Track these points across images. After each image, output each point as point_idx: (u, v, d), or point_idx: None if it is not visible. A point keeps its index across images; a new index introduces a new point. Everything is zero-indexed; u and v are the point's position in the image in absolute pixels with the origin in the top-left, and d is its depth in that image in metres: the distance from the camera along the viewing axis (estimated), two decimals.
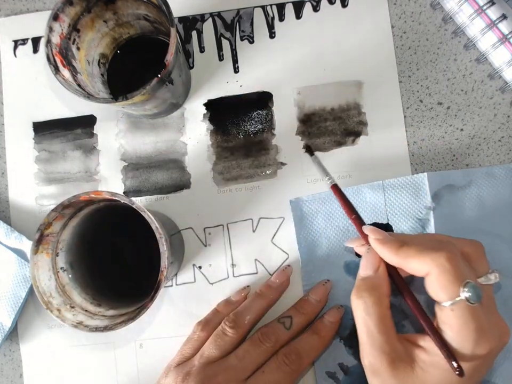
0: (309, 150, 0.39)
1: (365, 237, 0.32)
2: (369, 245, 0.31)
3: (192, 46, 0.42)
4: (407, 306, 0.36)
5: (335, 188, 0.35)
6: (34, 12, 0.43)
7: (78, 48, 0.35)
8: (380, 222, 0.38)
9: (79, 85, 0.34)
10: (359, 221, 0.33)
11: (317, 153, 0.40)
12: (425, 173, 0.37)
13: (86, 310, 0.34)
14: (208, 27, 0.42)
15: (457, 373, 0.26)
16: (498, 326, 0.28)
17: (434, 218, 0.36)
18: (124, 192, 0.41)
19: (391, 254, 0.29)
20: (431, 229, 0.36)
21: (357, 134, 0.40)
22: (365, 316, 0.29)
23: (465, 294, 0.26)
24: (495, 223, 0.37)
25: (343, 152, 0.40)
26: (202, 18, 0.42)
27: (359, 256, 0.38)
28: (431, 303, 0.29)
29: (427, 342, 0.28)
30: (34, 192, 0.41)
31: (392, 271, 0.31)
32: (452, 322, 0.27)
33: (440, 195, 0.37)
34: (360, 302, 0.29)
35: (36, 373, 0.40)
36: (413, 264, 0.28)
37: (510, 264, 0.37)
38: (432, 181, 0.37)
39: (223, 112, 0.41)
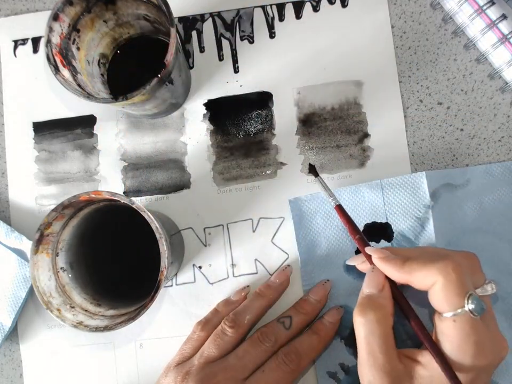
0: (313, 170, 0.39)
1: (369, 256, 0.32)
2: (373, 265, 0.31)
3: (192, 46, 0.42)
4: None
5: (339, 209, 0.35)
6: (34, 12, 0.43)
7: (78, 48, 0.35)
8: (379, 221, 0.38)
9: (79, 85, 0.34)
10: (362, 241, 0.33)
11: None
12: (424, 172, 0.37)
13: (86, 310, 0.34)
14: (208, 27, 0.42)
15: None
16: (497, 340, 0.28)
17: (433, 216, 0.36)
18: (124, 192, 0.41)
19: (396, 270, 0.29)
20: (430, 227, 0.36)
21: (358, 136, 0.40)
22: (368, 335, 0.28)
23: (469, 305, 0.26)
24: (493, 221, 0.37)
25: (344, 153, 0.40)
26: (202, 18, 0.42)
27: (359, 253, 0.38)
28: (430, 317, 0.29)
29: (425, 357, 0.28)
30: (34, 192, 0.41)
31: (393, 288, 0.31)
32: (452, 334, 0.27)
33: (438, 193, 0.37)
34: (364, 319, 0.29)
35: (36, 373, 0.40)
36: (418, 276, 0.28)
37: (509, 261, 0.37)
38: (431, 180, 0.37)
39: (223, 112, 0.41)
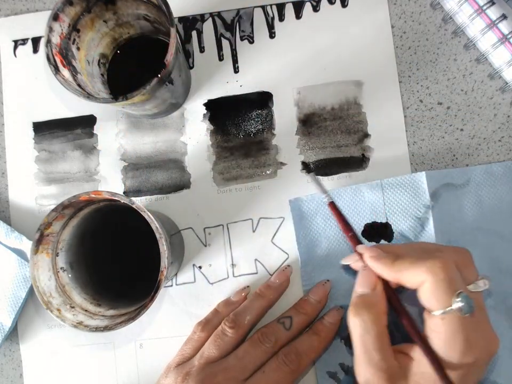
0: (306, 167, 0.39)
1: (360, 255, 0.32)
2: (365, 263, 0.31)
3: (192, 46, 0.42)
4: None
5: (332, 206, 0.35)
6: (34, 11, 0.43)
7: (78, 48, 0.35)
8: (379, 221, 0.38)
9: (79, 85, 0.34)
10: (355, 239, 0.33)
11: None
12: (424, 172, 0.37)
13: (86, 310, 0.34)
14: (208, 27, 0.42)
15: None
16: (487, 336, 0.28)
17: (433, 216, 0.36)
18: (124, 192, 0.41)
19: (386, 269, 0.29)
20: (430, 227, 0.36)
21: (358, 137, 0.40)
22: (363, 334, 0.29)
23: (457, 304, 0.27)
24: (494, 221, 0.37)
25: (344, 153, 0.40)
26: (202, 18, 0.42)
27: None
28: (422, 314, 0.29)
29: (417, 353, 0.29)
30: (34, 192, 0.41)
31: (385, 286, 0.31)
32: (441, 331, 0.27)
33: (438, 193, 0.37)
34: (358, 319, 0.29)
35: (36, 373, 0.40)
36: (407, 275, 0.28)
37: (510, 261, 0.37)
38: (431, 180, 0.37)
39: (223, 112, 0.41)
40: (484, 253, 0.37)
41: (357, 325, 0.29)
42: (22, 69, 0.43)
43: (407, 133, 0.40)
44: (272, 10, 0.41)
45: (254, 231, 0.40)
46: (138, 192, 0.41)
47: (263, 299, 0.36)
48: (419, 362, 0.28)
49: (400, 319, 0.30)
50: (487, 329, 0.29)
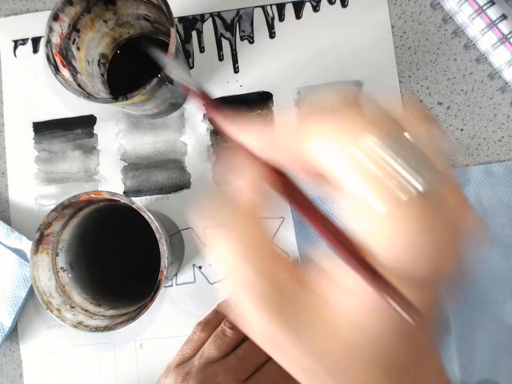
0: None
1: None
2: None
3: (192, 46, 0.42)
4: None
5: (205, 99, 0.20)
6: (34, 11, 0.43)
7: (78, 48, 0.35)
8: None
9: (79, 85, 0.34)
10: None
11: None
12: None
13: (86, 310, 0.34)
14: (208, 27, 0.42)
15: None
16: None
17: None
18: (124, 192, 0.41)
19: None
20: None
21: None
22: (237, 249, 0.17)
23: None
24: (494, 221, 0.37)
25: None
26: (202, 18, 0.42)
27: None
28: None
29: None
30: (34, 192, 0.41)
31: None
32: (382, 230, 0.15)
33: None
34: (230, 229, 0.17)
35: (36, 373, 0.40)
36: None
37: (510, 262, 0.37)
38: None
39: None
40: None
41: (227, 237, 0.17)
42: (22, 69, 0.43)
43: None
44: (272, 10, 0.41)
45: None
46: (138, 192, 0.41)
47: None
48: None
49: (311, 222, 0.18)
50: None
